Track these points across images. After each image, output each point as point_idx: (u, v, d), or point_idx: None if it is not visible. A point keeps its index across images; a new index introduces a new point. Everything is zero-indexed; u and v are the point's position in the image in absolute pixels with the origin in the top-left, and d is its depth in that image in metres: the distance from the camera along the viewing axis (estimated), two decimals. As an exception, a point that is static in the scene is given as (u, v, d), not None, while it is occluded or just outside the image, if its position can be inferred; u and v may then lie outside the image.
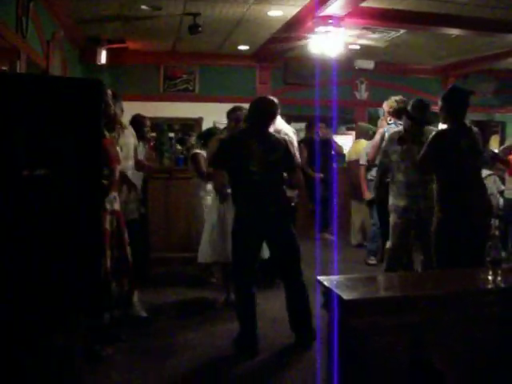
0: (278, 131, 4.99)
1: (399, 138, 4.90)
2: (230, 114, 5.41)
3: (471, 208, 4.23)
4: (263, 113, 4.43)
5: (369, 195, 7.43)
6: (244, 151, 4.27)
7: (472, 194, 4.28)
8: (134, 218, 5.13)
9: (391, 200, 5.09)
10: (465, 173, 4.33)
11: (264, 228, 4.36)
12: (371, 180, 7.18)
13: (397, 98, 5.96)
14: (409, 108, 4.98)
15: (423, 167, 4.54)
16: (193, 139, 9.66)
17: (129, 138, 5.08)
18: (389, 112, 6.07)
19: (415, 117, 4.90)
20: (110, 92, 4.49)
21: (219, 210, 5.31)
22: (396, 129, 5.38)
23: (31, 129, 2.29)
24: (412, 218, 4.95)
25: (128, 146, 4.99)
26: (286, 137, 4.85)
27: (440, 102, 4.51)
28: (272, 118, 4.47)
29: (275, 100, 4.50)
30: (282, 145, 4.44)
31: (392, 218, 5.09)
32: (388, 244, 5.17)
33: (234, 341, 4.40)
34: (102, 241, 3.97)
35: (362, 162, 7.48)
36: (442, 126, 4.94)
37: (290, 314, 4.50)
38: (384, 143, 5.24)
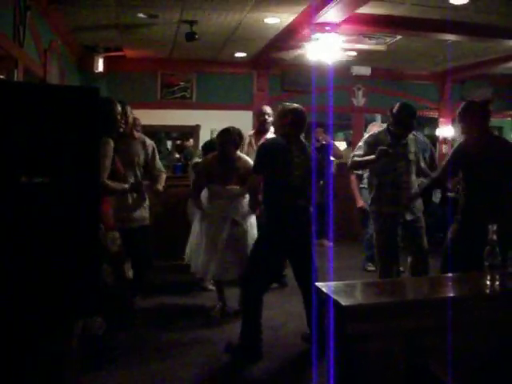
0: None
1: (385, 153, 4.85)
2: (220, 136, 5.30)
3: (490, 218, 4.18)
4: (301, 123, 4.54)
5: (361, 203, 7.43)
6: (287, 157, 4.39)
7: (492, 205, 4.28)
8: (146, 224, 5.16)
9: (376, 205, 5.10)
10: (486, 182, 4.35)
11: (294, 234, 4.45)
12: (362, 188, 7.20)
13: None
14: (395, 110, 5.02)
15: (442, 176, 4.65)
16: (190, 144, 9.67)
17: (134, 147, 5.07)
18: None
19: (402, 119, 4.98)
20: (119, 107, 4.50)
21: (204, 226, 5.30)
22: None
23: (28, 136, 2.30)
24: (400, 221, 4.98)
25: (132, 155, 4.99)
26: None
27: (457, 116, 4.64)
28: (304, 128, 4.61)
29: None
30: (315, 155, 4.61)
31: (378, 224, 5.09)
32: (376, 249, 5.18)
33: (235, 346, 4.38)
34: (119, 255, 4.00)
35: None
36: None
37: (307, 319, 4.56)
38: (366, 142, 5.16)
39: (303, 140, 4.66)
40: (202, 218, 5.35)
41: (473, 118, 4.51)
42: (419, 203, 5.10)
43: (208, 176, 5.23)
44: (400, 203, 4.98)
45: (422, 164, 5.16)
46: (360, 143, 5.22)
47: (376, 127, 7.00)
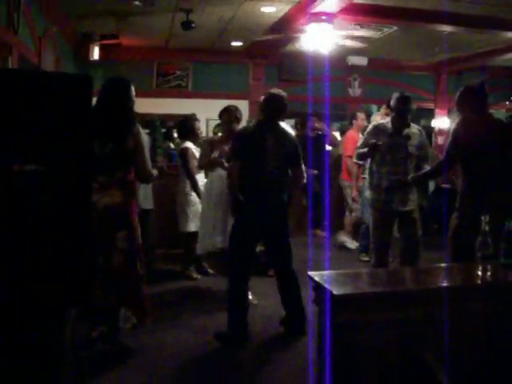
0: None
1: (374, 147, 4.99)
2: (222, 114, 5.46)
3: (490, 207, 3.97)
4: (278, 109, 4.54)
5: (355, 194, 7.44)
6: (260, 145, 4.39)
7: (494, 191, 4.19)
8: (151, 208, 5.19)
9: (372, 195, 5.18)
10: (486, 165, 4.23)
11: (269, 220, 4.46)
12: (364, 178, 7.19)
13: None
14: (392, 102, 5.14)
15: (448, 157, 4.46)
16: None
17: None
18: (387, 114, 6.38)
19: (398, 107, 5.07)
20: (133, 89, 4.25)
21: (209, 201, 5.49)
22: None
23: (21, 123, 2.29)
24: (395, 210, 5.04)
25: None
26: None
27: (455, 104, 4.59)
28: (284, 114, 4.63)
29: (285, 95, 4.61)
30: (293, 140, 4.62)
31: (374, 213, 5.17)
32: (372, 239, 5.22)
33: (220, 333, 4.41)
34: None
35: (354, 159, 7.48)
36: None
37: (284, 303, 4.62)
38: (368, 133, 5.30)
39: (284, 127, 4.69)
40: (207, 195, 5.53)
41: (470, 103, 4.46)
42: (414, 195, 5.14)
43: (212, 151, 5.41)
44: (397, 192, 5.03)
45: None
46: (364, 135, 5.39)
47: (379, 117, 7.04)
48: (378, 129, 5.17)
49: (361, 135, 7.42)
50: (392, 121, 5.14)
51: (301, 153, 4.65)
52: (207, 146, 5.58)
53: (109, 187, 3.88)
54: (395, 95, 5.15)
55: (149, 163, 4.09)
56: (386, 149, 5.01)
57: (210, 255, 5.92)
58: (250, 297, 5.32)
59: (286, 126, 5.79)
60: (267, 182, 4.40)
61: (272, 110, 4.53)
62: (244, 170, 4.44)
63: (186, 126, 6.46)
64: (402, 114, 5.06)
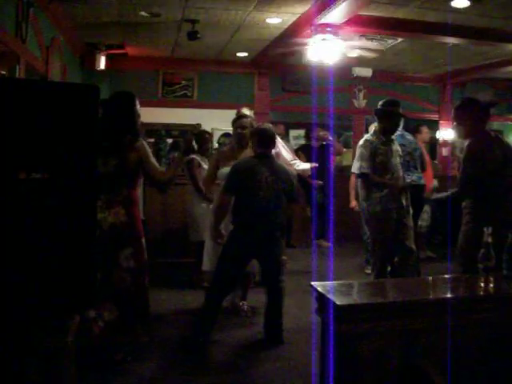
0: None
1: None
2: (235, 122, 5.44)
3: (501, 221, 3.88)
4: (269, 142, 4.69)
5: (354, 203, 7.40)
6: (256, 179, 4.50)
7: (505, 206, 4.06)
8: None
9: (381, 204, 5.06)
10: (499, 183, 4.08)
11: (259, 248, 4.58)
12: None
13: None
14: (379, 106, 5.22)
15: (466, 189, 4.19)
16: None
17: None
18: None
19: (387, 110, 5.14)
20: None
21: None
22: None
23: (28, 132, 2.31)
24: (398, 217, 5.05)
25: None
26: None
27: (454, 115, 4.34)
28: (273, 145, 4.78)
29: (271, 127, 4.87)
30: (290, 177, 4.75)
31: (378, 223, 5.09)
32: (378, 252, 5.19)
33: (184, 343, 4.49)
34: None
35: (354, 170, 7.47)
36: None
37: (266, 314, 4.72)
38: (364, 146, 5.20)
39: (281, 163, 4.87)
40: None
41: (474, 118, 4.18)
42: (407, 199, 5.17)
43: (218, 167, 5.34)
44: (400, 198, 5.06)
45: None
46: (360, 154, 5.20)
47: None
48: (370, 146, 5.12)
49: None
50: (383, 128, 5.15)
51: (297, 188, 4.84)
52: (212, 167, 5.46)
53: (113, 205, 3.87)
54: (381, 101, 5.21)
55: (159, 169, 4.08)
56: (387, 157, 5.04)
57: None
58: (245, 307, 5.42)
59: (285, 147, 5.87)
60: (261, 212, 4.49)
61: (263, 144, 4.64)
62: (236, 203, 4.59)
63: (197, 141, 6.45)
64: (393, 116, 5.11)
